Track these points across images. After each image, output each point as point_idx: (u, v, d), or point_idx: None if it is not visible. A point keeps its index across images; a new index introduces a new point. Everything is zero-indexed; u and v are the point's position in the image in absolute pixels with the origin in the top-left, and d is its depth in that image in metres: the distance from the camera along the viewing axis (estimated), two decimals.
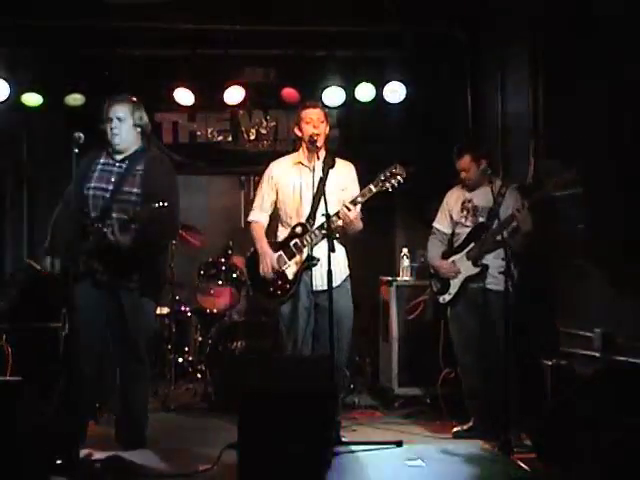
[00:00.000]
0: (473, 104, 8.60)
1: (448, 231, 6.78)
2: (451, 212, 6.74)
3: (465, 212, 6.62)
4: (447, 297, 6.62)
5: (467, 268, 6.50)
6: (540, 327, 6.81)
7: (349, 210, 6.00)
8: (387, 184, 6.03)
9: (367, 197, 6.07)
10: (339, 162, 6.30)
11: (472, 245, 6.51)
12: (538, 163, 7.02)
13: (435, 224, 6.88)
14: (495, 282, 6.29)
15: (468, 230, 6.58)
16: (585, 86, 6.21)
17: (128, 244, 5.59)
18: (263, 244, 6.31)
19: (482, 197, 6.51)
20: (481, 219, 6.49)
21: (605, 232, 5.92)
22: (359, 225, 6.21)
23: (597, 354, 6.07)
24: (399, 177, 6.03)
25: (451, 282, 6.58)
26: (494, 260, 6.32)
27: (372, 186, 6.05)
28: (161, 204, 5.41)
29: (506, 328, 5.96)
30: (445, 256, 6.70)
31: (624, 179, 5.73)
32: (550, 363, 6.41)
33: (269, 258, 6.21)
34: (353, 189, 6.26)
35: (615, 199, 5.80)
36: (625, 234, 5.70)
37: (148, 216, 5.47)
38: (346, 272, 6.32)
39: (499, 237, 6.13)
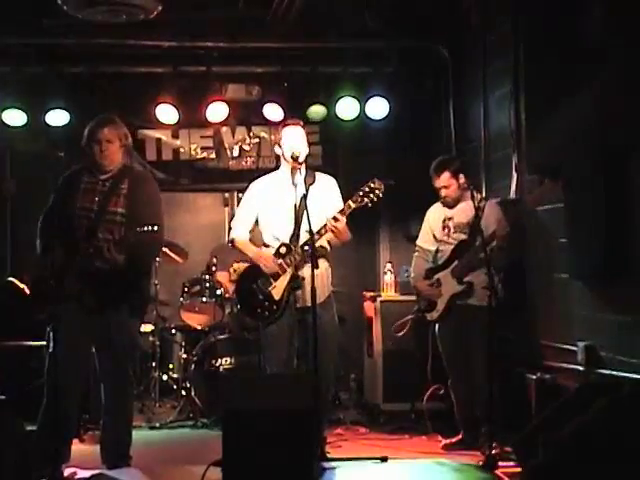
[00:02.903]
0: (456, 119, 8.63)
1: (432, 248, 6.80)
2: (433, 230, 6.77)
3: (446, 230, 6.66)
4: (435, 314, 6.65)
5: (452, 286, 6.52)
6: (523, 341, 6.84)
7: (328, 228, 6.00)
8: (366, 199, 6.01)
9: (347, 213, 6.05)
10: (319, 176, 6.30)
11: (456, 263, 6.53)
12: (522, 178, 7.07)
13: (418, 242, 6.93)
14: (479, 298, 6.30)
15: (451, 247, 6.60)
16: (567, 101, 6.24)
17: (122, 263, 5.57)
18: (254, 249, 6.29)
19: (462, 213, 6.55)
20: (463, 236, 6.52)
21: (587, 246, 5.94)
22: (346, 237, 6.19)
23: (580, 367, 6.09)
24: (377, 192, 6.01)
25: (438, 300, 6.62)
26: (477, 276, 6.32)
27: (351, 202, 6.03)
28: (150, 228, 5.40)
29: (490, 343, 5.98)
30: (431, 273, 6.70)
31: (605, 194, 5.76)
32: (534, 377, 6.43)
33: (266, 255, 6.16)
34: (336, 201, 6.24)
35: (596, 214, 5.82)
36: (606, 248, 5.72)
37: (136, 240, 5.46)
38: (330, 288, 6.30)
39: (482, 255, 6.14)
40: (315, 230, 5.91)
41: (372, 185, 6.02)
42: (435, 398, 7.12)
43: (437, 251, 6.76)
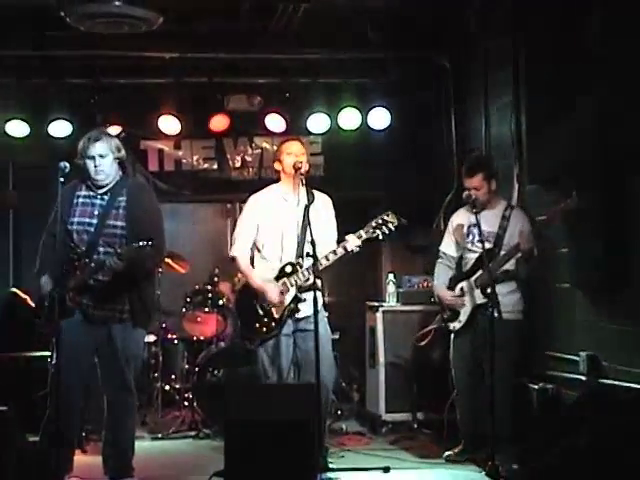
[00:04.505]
0: (457, 130, 8.63)
1: (456, 255, 6.70)
2: (456, 237, 6.69)
3: (471, 237, 6.52)
4: (457, 325, 6.52)
5: (477, 296, 6.40)
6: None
7: (339, 253, 5.99)
8: (378, 231, 5.97)
9: (358, 243, 5.98)
10: (317, 195, 6.26)
11: (480, 272, 6.37)
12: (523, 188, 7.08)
13: (442, 248, 6.81)
14: (503, 311, 6.09)
15: (476, 255, 6.43)
16: (568, 112, 6.26)
17: (122, 274, 5.55)
18: (256, 279, 6.18)
19: (488, 221, 6.38)
20: (488, 244, 6.30)
21: (588, 256, 5.95)
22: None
23: (583, 377, 6.09)
24: (390, 225, 5.98)
25: (461, 310, 6.51)
26: (502, 288, 6.22)
27: (362, 232, 5.98)
28: (146, 243, 5.38)
29: (491, 354, 5.96)
30: (454, 282, 6.61)
31: (607, 203, 5.77)
32: (536, 387, 6.43)
33: (271, 288, 6.08)
34: (331, 220, 6.27)
35: (598, 224, 5.83)
36: (607, 257, 5.73)
37: (133, 255, 5.45)
38: (321, 300, 6.25)
39: (507, 267, 6.08)
40: (324, 252, 5.90)
41: (385, 218, 5.99)
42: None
43: (461, 258, 6.66)
